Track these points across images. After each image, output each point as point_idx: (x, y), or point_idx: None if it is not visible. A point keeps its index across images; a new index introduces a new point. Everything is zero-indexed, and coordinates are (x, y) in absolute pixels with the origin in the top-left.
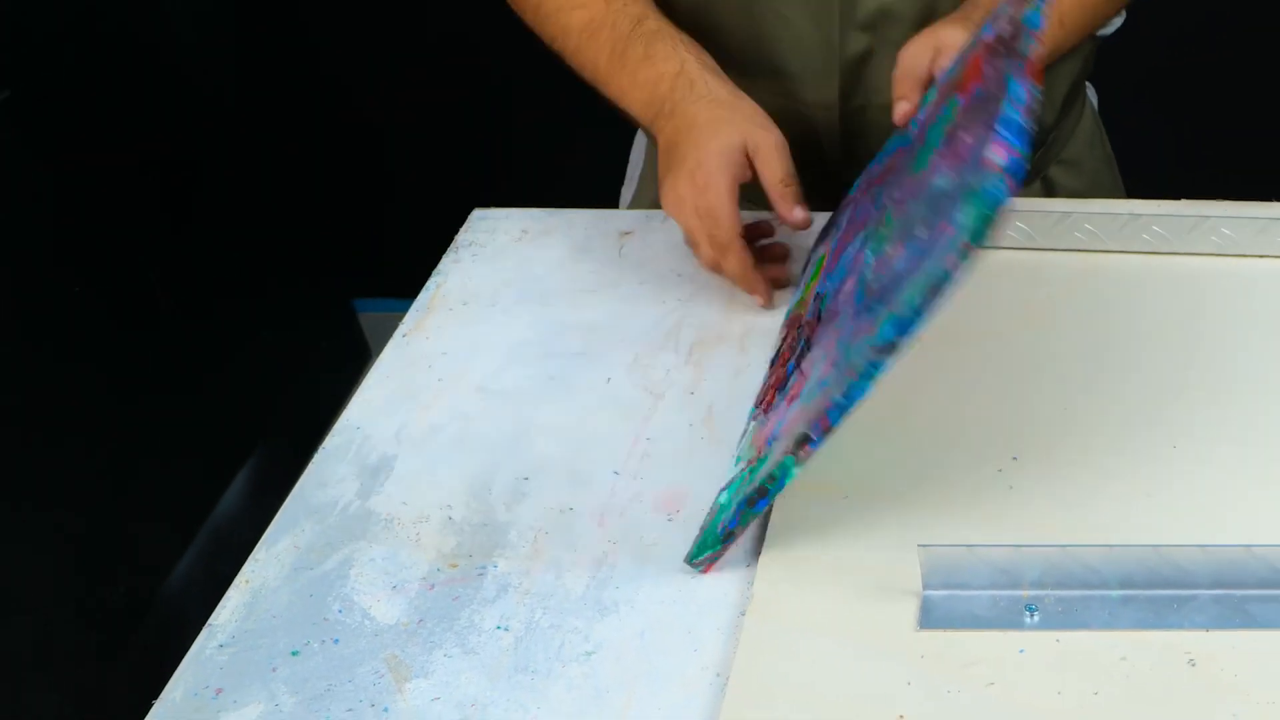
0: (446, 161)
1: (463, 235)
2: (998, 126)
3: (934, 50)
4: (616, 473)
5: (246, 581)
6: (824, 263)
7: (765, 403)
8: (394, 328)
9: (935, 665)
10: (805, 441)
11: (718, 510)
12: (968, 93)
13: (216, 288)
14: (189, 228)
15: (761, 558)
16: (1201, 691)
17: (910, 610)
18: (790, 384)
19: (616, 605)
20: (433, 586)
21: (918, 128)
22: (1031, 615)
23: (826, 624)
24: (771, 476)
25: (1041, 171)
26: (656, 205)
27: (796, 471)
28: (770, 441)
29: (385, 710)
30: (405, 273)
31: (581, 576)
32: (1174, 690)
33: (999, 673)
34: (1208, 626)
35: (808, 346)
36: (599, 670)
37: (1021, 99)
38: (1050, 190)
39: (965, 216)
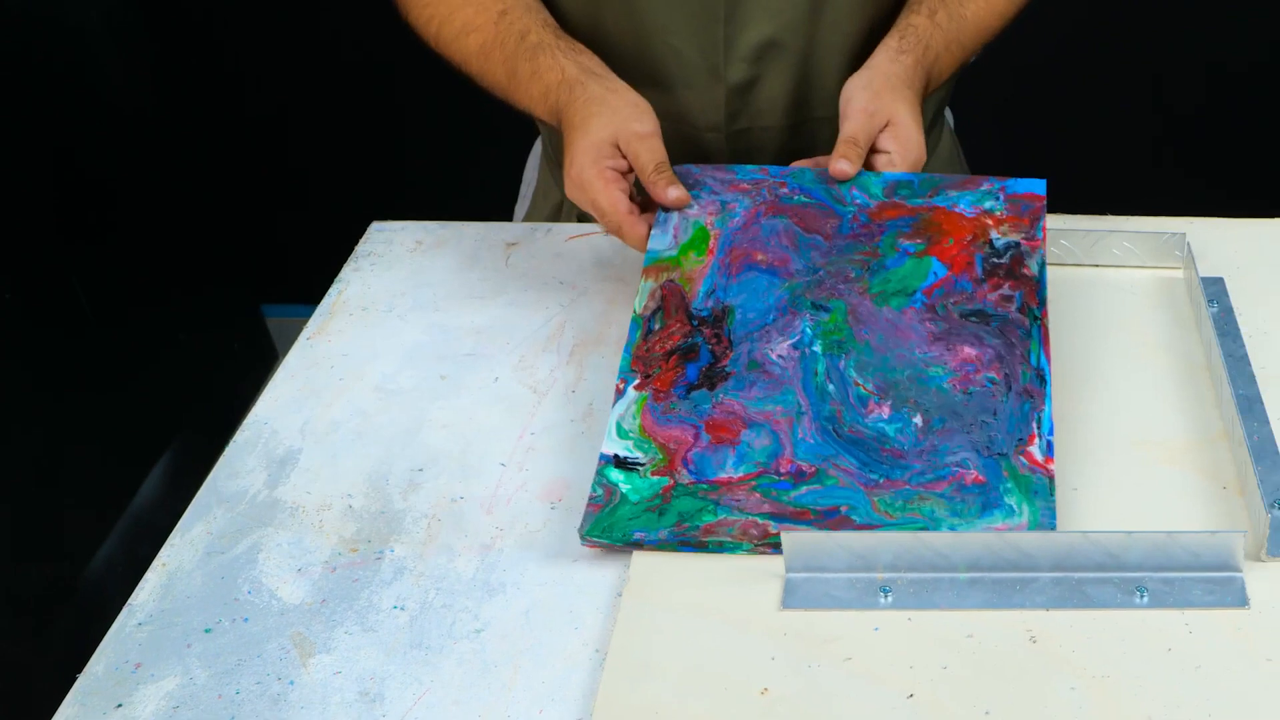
0: (348, 177)
1: (362, 246)
2: (1043, 433)
3: (885, 122)
4: (503, 465)
5: (163, 565)
6: (710, 241)
7: (654, 385)
8: (299, 331)
9: (797, 642)
10: (769, 544)
11: (621, 503)
12: (949, 263)
13: (135, 293)
14: (110, 237)
15: None
16: (1041, 666)
17: (774, 591)
18: (708, 413)
19: (503, 587)
20: (334, 569)
21: (855, 210)
22: (885, 596)
23: (697, 605)
24: (720, 543)
25: None
26: (553, 218)
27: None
28: (694, 474)
29: (290, 683)
30: (309, 280)
31: (471, 560)
32: (1016, 665)
33: (856, 648)
34: (1047, 606)
35: (714, 359)
36: (487, 646)
37: (1049, 426)
38: None
39: (1022, 511)
